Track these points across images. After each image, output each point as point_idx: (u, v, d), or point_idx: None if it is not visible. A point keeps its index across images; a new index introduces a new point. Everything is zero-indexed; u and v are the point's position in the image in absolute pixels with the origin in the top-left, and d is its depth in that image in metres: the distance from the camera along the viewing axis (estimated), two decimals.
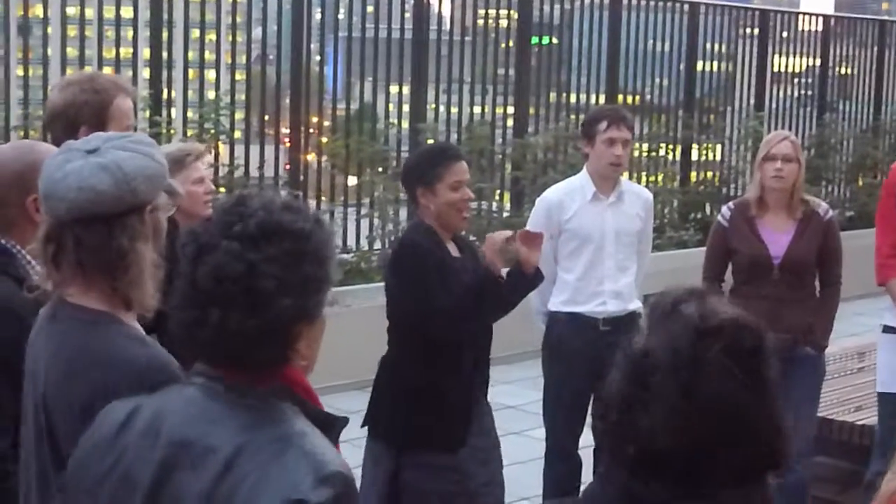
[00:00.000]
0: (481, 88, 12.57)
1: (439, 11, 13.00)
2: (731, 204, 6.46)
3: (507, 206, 12.35)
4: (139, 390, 2.45)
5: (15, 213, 3.31)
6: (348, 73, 11.43)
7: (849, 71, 16.56)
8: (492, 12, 12.86)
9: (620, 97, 13.68)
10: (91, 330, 2.71)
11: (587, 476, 5.69)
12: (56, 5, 9.97)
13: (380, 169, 11.24)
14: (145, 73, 10.21)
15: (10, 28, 9.69)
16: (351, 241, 10.87)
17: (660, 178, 13.87)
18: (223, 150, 10.43)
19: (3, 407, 3.11)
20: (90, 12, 9.96)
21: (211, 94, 10.50)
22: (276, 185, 10.65)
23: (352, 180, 11.40)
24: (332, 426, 2.30)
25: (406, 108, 11.71)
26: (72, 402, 2.62)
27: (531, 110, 12.84)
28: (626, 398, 2.17)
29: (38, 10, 10.25)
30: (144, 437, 2.24)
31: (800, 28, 16.38)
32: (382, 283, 5.45)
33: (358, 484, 2.29)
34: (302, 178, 11.02)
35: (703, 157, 14.51)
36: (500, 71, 12.82)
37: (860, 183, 15.74)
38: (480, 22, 12.90)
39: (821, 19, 16.47)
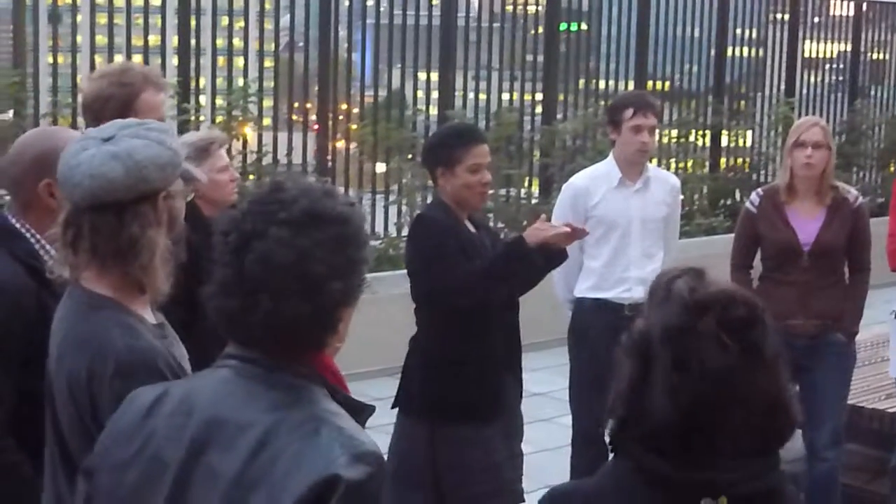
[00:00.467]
0: (510, 75, 12.54)
1: None
2: (759, 190, 6.43)
3: (536, 192, 12.32)
4: (123, 380, 2.54)
5: (30, 195, 3.36)
6: (376, 59, 11.41)
7: (881, 56, 16.44)
8: None
9: (650, 83, 13.63)
10: (90, 314, 2.77)
11: None
12: None
13: (408, 156, 11.23)
14: (174, 60, 10.23)
15: (39, 16, 9.71)
16: (379, 228, 10.87)
17: (689, 164, 13.81)
18: (251, 137, 10.45)
19: None
20: (119, 0, 9.98)
21: (240, 82, 10.50)
22: (304, 171, 10.66)
23: (380, 167, 11.40)
24: (359, 412, 2.32)
25: (434, 94, 11.68)
26: (63, 378, 2.71)
27: (560, 97, 12.80)
28: (629, 377, 2.20)
29: None
30: (174, 418, 2.26)
31: (831, 13, 16.27)
32: None
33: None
34: (330, 164, 11.03)
35: (733, 144, 14.42)
36: (529, 57, 12.76)
37: (892, 169, 15.65)
38: (509, 8, 12.86)
39: (852, 4, 16.34)
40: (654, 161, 11.34)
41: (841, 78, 16.20)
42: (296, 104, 11.30)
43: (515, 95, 12.56)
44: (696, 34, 14.24)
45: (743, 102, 14.94)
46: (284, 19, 11.24)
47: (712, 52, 14.32)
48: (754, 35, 15.14)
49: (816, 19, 15.96)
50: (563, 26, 12.91)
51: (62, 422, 2.73)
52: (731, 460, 2.18)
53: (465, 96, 11.97)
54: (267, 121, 10.82)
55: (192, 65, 10.21)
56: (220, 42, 10.75)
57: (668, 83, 14.44)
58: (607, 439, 2.27)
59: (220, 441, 2.19)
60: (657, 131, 6.55)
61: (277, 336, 2.22)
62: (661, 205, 6.36)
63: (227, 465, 2.15)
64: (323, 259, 2.20)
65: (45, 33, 10.23)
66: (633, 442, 2.21)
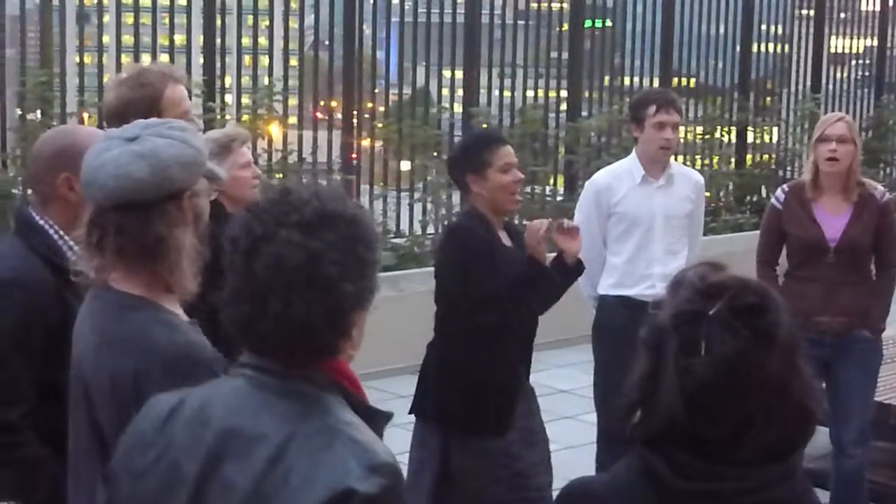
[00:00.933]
0: (534, 72, 12.53)
1: None
2: (785, 186, 6.40)
3: (561, 189, 12.31)
4: (171, 376, 2.50)
5: (49, 190, 3.38)
6: (401, 57, 11.43)
7: None
8: None
9: (675, 80, 13.59)
10: (130, 313, 2.76)
11: None
12: None
13: (433, 153, 11.24)
14: (199, 59, 10.27)
15: (66, 16, 9.76)
16: (404, 226, 10.88)
17: (715, 160, 13.78)
18: (277, 135, 10.47)
19: (16, 379, 3.22)
20: (145, 0, 10.03)
21: (265, 81, 10.54)
22: (329, 170, 10.69)
23: (405, 165, 11.41)
24: (376, 420, 2.29)
25: (459, 92, 11.69)
26: (105, 379, 2.69)
27: (585, 94, 12.79)
28: (640, 371, 2.18)
29: None
30: (191, 427, 2.25)
31: (857, 8, 16.21)
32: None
33: (404, 469, 2.29)
34: (355, 162, 11.06)
35: (759, 140, 14.37)
36: (554, 54, 12.75)
37: None
38: (533, 5, 12.85)
39: (878, 0, 16.28)
40: (680, 158, 11.35)
41: (867, 73, 16.13)
42: (321, 102, 11.33)
43: (540, 92, 12.54)
44: (722, 30, 14.20)
45: (769, 98, 14.89)
46: (309, 18, 11.27)
47: (737, 49, 14.28)
48: (780, 31, 15.10)
49: (842, 15, 15.90)
50: (587, 23, 12.89)
51: (102, 423, 2.72)
52: (740, 467, 2.13)
53: (489, 93, 11.97)
54: (292, 119, 10.85)
55: (218, 64, 10.24)
56: (246, 41, 10.78)
57: (693, 80, 14.43)
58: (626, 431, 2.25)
59: (235, 453, 2.17)
60: (683, 128, 6.54)
61: (290, 341, 2.19)
62: (685, 201, 6.35)
63: (242, 478, 2.14)
64: (334, 260, 2.16)
65: (71, 33, 10.27)
66: (642, 443, 2.19)
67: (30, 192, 8.47)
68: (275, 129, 10.48)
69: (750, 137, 14.15)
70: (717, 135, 13.78)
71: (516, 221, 10.58)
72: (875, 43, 16.09)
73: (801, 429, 2.19)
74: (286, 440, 2.13)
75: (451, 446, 5.10)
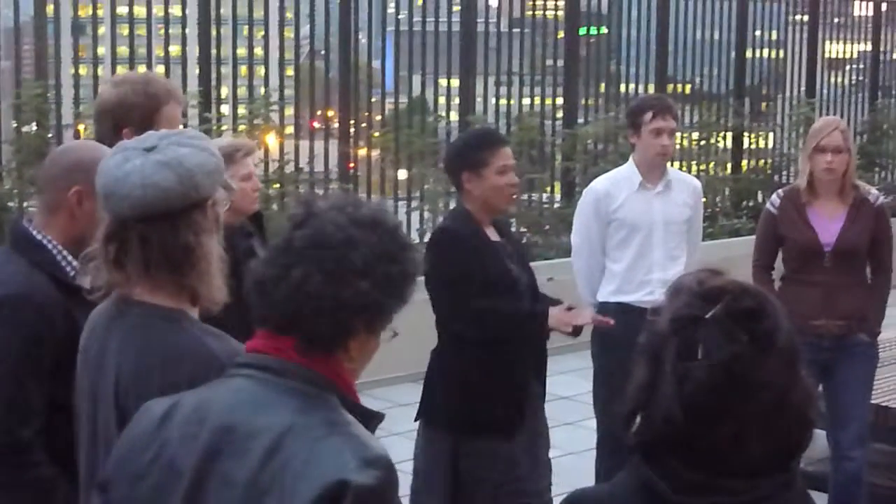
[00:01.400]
0: (531, 80, 12.55)
1: (487, 3, 12.98)
2: (780, 191, 6.41)
3: (558, 197, 12.33)
4: None
5: (58, 199, 3.32)
6: (397, 66, 11.45)
7: None
8: (540, 3, 12.85)
9: (671, 86, 13.62)
10: (168, 324, 2.72)
11: None
12: (107, 5, 10.05)
13: (430, 162, 11.25)
14: (195, 70, 10.28)
15: (61, 28, 9.77)
16: None
17: (711, 166, 13.79)
18: (274, 145, 10.48)
19: (29, 397, 3.17)
20: (140, 11, 10.04)
21: (261, 91, 10.54)
22: (326, 179, 10.70)
23: (402, 174, 11.43)
24: (369, 419, 2.32)
25: (456, 100, 11.70)
26: (151, 393, 2.59)
27: (581, 101, 12.81)
28: (638, 379, 2.17)
29: (88, 10, 10.32)
30: (188, 426, 2.27)
31: (851, 13, 16.24)
32: None
33: (408, 477, 2.30)
34: (352, 171, 11.07)
35: (755, 145, 14.41)
36: (550, 62, 12.77)
37: None
38: (529, 13, 12.87)
39: (872, 4, 16.31)
40: (676, 164, 11.36)
41: (862, 78, 16.16)
42: (318, 112, 11.34)
43: (537, 100, 12.56)
44: (717, 37, 14.23)
45: (764, 104, 14.93)
46: (305, 27, 11.29)
47: (732, 55, 14.31)
48: (774, 37, 15.12)
49: (836, 20, 15.93)
50: (583, 30, 12.92)
51: None
52: (738, 479, 2.12)
53: (486, 102, 11.99)
54: (289, 129, 10.85)
55: (214, 74, 10.26)
56: (241, 51, 10.80)
57: (689, 86, 14.46)
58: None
59: (232, 448, 2.20)
60: (679, 134, 6.55)
61: (292, 314, 2.24)
62: (684, 207, 6.36)
63: (240, 472, 2.17)
64: (364, 256, 2.24)
65: (67, 45, 10.28)
66: (641, 455, 2.17)
67: (26, 203, 8.47)
68: (271, 140, 10.48)
69: (746, 143, 14.18)
70: (713, 140, 13.80)
71: (514, 228, 10.63)
72: (869, 47, 16.11)
73: (800, 436, 2.17)
74: (284, 432, 2.17)
75: (460, 450, 5.10)
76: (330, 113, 11.23)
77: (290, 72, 11.06)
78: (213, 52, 10.25)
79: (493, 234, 5.24)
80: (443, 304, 5.14)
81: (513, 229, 10.16)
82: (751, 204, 13.66)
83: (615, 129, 12.30)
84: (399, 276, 2.30)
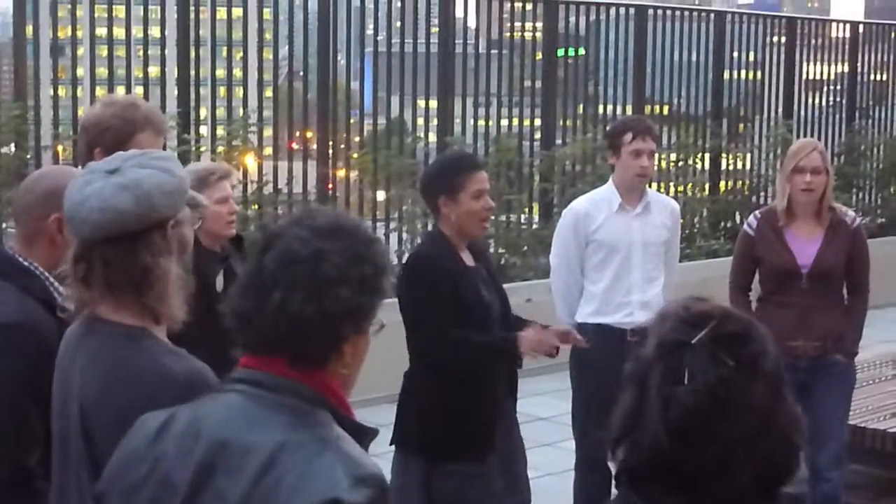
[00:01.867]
0: (509, 101, 12.58)
1: (465, 25, 13.02)
2: (757, 213, 6.44)
3: (536, 218, 12.35)
4: (182, 402, 2.47)
5: (37, 227, 3.33)
6: (376, 87, 11.47)
7: (879, 77, 16.47)
8: (518, 24, 12.89)
9: (648, 107, 13.67)
10: (129, 343, 2.76)
11: None
12: (86, 26, 10.05)
13: (409, 183, 11.26)
14: (174, 91, 10.28)
15: (40, 49, 9.77)
16: None
17: (689, 187, 13.83)
18: (252, 166, 10.48)
19: (30, 425, 3.14)
20: (119, 32, 10.04)
21: (240, 112, 10.55)
22: (305, 200, 10.69)
23: (380, 195, 11.43)
24: (363, 435, 2.33)
25: (434, 121, 11.73)
26: (110, 413, 2.65)
27: (559, 122, 12.85)
28: (624, 405, 2.17)
29: (68, 31, 10.33)
30: (183, 441, 2.28)
31: (828, 35, 16.33)
32: None
33: None
34: (331, 193, 11.07)
35: (733, 166, 14.46)
36: (528, 83, 12.82)
37: (892, 189, 15.68)
38: (507, 34, 12.91)
39: (848, 26, 16.41)
40: (654, 185, 11.39)
41: (839, 99, 16.22)
42: (296, 133, 11.35)
43: (515, 121, 12.60)
44: (694, 58, 14.30)
45: (742, 125, 14.98)
46: (284, 49, 11.31)
47: (710, 76, 14.37)
48: (752, 58, 15.18)
49: (814, 41, 16.01)
50: (561, 52, 12.96)
51: (102, 461, 2.60)
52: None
53: (464, 123, 12.02)
54: (268, 150, 10.87)
55: (193, 96, 10.26)
56: (220, 72, 10.81)
57: (667, 107, 14.51)
58: (612, 467, 2.23)
59: (226, 464, 2.21)
60: (657, 155, 6.57)
61: (279, 337, 2.25)
62: (662, 228, 6.37)
63: (233, 489, 2.18)
64: (336, 265, 2.25)
65: (46, 66, 10.29)
66: (627, 485, 2.16)
67: (5, 225, 8.43)
68: (250, 161, 10.49)
69: (723, 164, 14.22)
70: (691, 161, 13.84)
71: (493, 250, 10.64)
72: (846, 69, 16.19)
73: (785, 460, 2.16)
74: (277, 449, 2.18)
75: (433, 474, 5.09)
76: (308, 134, 11.25)
77: (268, 93, 11.08)
78: (192, 73, 10.26)
79: (467, 258, 5.24)
80: (416, 333, 5.14)
81: (491, 251, 10.21)
82: (728, 225, 13.71)
83: (593, 151, 12.34)
84: (374, 273, 2.32)
